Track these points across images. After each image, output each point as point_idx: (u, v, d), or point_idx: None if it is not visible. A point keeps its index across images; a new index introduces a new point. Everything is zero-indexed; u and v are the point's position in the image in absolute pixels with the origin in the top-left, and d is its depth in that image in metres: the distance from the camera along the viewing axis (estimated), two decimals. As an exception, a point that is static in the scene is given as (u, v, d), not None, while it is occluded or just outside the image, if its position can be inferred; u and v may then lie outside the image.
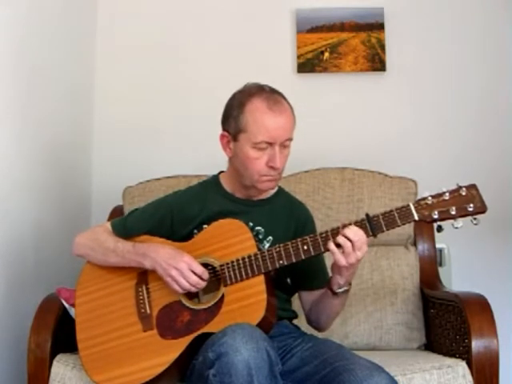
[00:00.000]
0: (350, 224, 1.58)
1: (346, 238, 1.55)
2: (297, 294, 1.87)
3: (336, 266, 1.61)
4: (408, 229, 2.26)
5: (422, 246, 2.31)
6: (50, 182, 2.44)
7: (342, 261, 1.56)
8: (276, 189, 1.85)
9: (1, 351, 2.08)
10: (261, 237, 1.75)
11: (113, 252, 1.72)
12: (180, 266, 1.61)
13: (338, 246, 1.56)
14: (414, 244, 2.32)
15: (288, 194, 1.92)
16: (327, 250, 1.58)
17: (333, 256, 1.57)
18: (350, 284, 1.67)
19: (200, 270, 1.61)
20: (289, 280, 1.84)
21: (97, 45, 2.84)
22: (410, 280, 2.24)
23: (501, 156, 2.69)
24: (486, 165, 2.66)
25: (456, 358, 1.84)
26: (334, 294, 1.67)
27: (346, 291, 1.67)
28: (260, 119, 1.67)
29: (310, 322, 1.84)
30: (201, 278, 1.61)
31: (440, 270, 2.34)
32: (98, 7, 2.85)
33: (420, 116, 2.74)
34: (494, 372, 1.76)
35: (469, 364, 1.78)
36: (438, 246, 2.36)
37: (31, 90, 2.28)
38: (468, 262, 2.61)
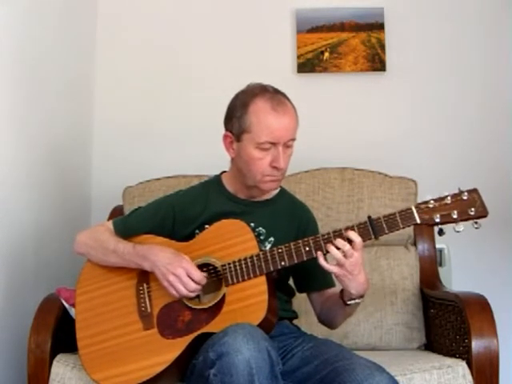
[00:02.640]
0: (353, 226, 1.57)
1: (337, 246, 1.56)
2: (297, 295, 1.88)
3: (336, 277, 1.61)
4: (408, 229, 2.21)
5: (422, 246, 2.31)
6: (50, 181, 2.43)
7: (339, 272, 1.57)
8: (278, 189, 1.85)
9: (1, 351, 2.08)
10: (262, 237, 1.75)
11: (113, 252, 1.72)
12: (178, 272, 1.60)
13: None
14: (414, 244, 2.32)
15: (290, 194, 1.92)
16: (328, 252, 1.58)
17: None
18: (362, 296, 1.63)
19: (198, 276, 1.61)
20: (290, 281, 1.84)
21: (97, 45, 2.83)
22: (409, 280, 2.24)
23: (501, 156, 2.69)
24: (486, 165, 2.67)
25: (456, 358, 1.84)
26: (346, 305, 1.65)
27: (358, 303, 1.65)
28: (264, 120, 1.67)
29: (321, 321, 1.84)
30: (199, 284, 1.61)
31: (440, 269, 2.34)
32: (98, 7, 2.85)
33: (420, 116, 2.74)
34: (493, 372, 1.76)
35: (469, 364, 1.78)
36: (438, 246, 2.36)
37: (31, 89, 2.27)
38: (468, 262, 2.62)
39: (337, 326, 1.81)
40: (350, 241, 1.55)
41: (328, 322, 1.81)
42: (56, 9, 2.46)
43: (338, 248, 1.55)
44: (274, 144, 1.67)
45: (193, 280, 1.60)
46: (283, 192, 1.88)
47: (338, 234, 1.57)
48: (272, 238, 1.75)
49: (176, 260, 1.63)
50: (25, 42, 2.22)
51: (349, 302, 1.63)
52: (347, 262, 1.54)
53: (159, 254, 1.66)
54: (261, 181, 1.72)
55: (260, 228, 1.75)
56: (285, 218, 1.81)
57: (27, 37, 2.23)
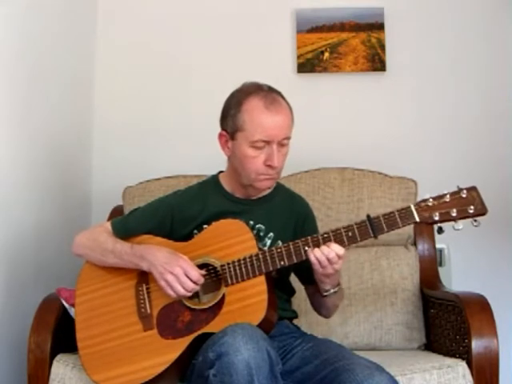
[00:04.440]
0: (352, 226, 1.58)
1: (323, 253, 1.57)
2: (297, 294, 1.88)
3: (316, 274, 1.63)
4: (408, 229, 2.25)
5: (422, 246, 2.31)
6: (50, 181, 2.44)
7: (320, 270, 1.59)
8: (274, 185, 1.84)
9: (1, 351, 2.08)
10: (262, 234, 1.75)
11: (111, 253, 1.72)
12: (176, 271, 1.60)
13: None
14: (414, 244, 2.32)
15: (287, 189, 1.91)
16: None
17: (312, 266, 1.59)
18: (338, 285, 1.69)
19: (195, 276, 1.61)
20: (289, 280, 1.85)
21: (97, 45, 2.83)
22: (409, 280, 2.24)
23: (501, 156, 2.69)
24: (486, 164, 2.67)
25: (456, 358, 1.84)
26: (323, 296, 1.70)
27: (335, 292, 1.69)
28: (257, 118, 1.67)
29: (315, 310, 1.87)
30: (197, 283, 1.61)
31: (440, 269, 2.34)
32: (98, 7, 2.85)
33: (420, 116, 2.74)
34: (493, 372, 1.77)
35: (469, 364, 1.78)
36: (438, 246, 2.36)
37: (31, 89, 2.28)
38: (468, 262, 2.62)
39: (328, 315, 1.85)
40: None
41: (318, 311, 1.85)
42: (56, 8, 2.46)
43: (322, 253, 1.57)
44: (267, 142, 1.67)
45: (191, 279, 1.60)
46: (279, 187, 1.87)
47: (337, 233, 1.58)
48: (271, 234, 1.76)
49: (173, 259, 1.63)
50: (25, 42, 2.22)
51: (325, 294, 1.68)
52: (331, 267, 1.57)
53: (157, 253, 1.66)
54: (255, 179, 1.72)
55: (259, 225, 1.76)
56: (283, 212, 1.81)
57: (27, 36, 2.23)
